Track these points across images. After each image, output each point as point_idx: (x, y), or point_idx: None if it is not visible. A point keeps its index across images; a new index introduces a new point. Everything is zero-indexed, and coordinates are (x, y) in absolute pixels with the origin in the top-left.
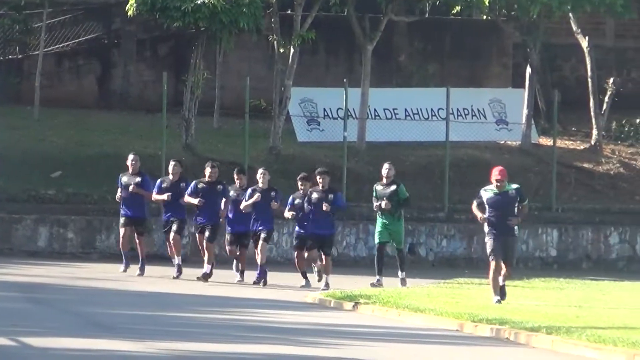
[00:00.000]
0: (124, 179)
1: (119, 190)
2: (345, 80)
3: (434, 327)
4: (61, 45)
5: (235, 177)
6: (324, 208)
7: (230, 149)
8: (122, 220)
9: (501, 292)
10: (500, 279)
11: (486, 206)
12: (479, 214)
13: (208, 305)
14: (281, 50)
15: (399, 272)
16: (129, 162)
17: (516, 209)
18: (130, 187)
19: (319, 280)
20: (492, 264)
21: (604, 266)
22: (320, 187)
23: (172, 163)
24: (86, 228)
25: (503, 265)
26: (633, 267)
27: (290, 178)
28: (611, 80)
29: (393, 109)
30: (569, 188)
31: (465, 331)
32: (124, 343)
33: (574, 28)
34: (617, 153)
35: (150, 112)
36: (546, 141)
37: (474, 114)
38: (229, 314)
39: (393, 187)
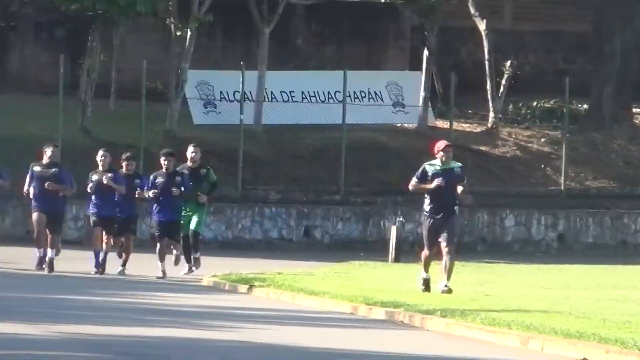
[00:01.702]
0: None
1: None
2: (242, 63)
3: (329, 310)
4: None
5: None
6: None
7: (127, 131)
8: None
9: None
10: (443, 264)
11: (428, 181)
12: (427, 185)
13: (103, 288)
14: (178, 33)
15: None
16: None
17: (459, 189)
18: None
19: None
20: (425, 253)
21: (499, 249)
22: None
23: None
24: None
25: (444, 249)
26: (528, 250)
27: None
28: (508, 63)
29: (290, 92)
30: (465, 171)
31: (359, 314)
32: (18, 326)
33: (472, 11)
34: (513, 136)
35: (46, 94)
36: (443, 124)
37: (371, 96)
38: (124, 297)
39: (203, 171)
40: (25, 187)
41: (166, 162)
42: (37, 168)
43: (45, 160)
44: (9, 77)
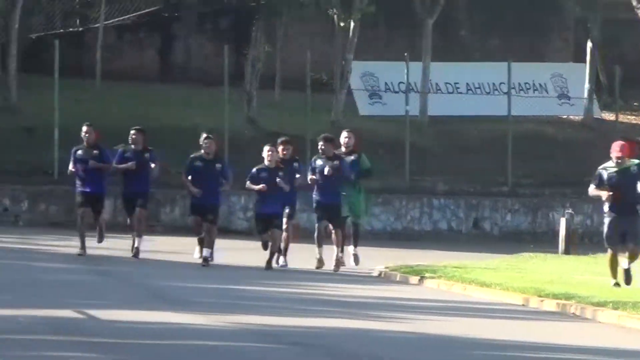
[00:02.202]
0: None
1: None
2: (406, 54)
3: (500, 301)
4: (122, 18)
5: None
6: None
7: (292, 122)
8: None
9: (626, 276)
10: (625, 262)
11: (605, 186)
12: (602, 193)
13: (273, 279)
14: (341, 24)
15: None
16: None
17: (639, 187)
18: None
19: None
20: (609, 252)
21: None
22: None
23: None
24: (150, 201)
25: (628, 248)
26: None
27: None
28: None
29: (454, 83)
30: None
31: (531, 306)
32: (189, 316)
33: (634, 3)
34: None
35: (210, 85)
36: (608, 116)
37: (535, 88)
38: (295, 288)
39: (354, 157)
40: (185, 178)
41: (324, 147)
42: (198, 164)
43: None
44: (173, 68)
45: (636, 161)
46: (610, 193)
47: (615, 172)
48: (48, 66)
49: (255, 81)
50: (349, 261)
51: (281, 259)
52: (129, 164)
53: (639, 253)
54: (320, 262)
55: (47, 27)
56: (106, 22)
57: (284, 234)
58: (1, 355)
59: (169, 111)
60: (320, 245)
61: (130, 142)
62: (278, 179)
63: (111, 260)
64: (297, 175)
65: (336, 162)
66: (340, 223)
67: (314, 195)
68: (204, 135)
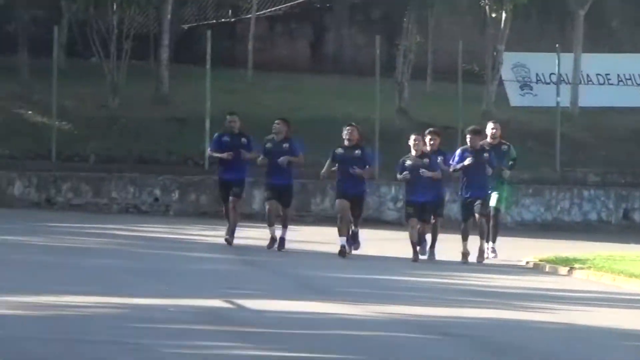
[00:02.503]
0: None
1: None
2: (557, 45)
3: None
4: (274, 8)
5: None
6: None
7: (443, 113)
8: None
9: None
10: None
11: None
12: None
13: (421, 269)
14: (493, 15)
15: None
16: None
17: None
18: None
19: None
20: None
21: None
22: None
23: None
24: (301, 191)
25: None
26: None
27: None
28: None
29: (605, 75)
30: None
31: None
32: (340, 306)
33: None
34: None
35: (362, 75)
36: None
37: None
38: (442, 278)
39: (505, 147)
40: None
41: (471, 139)
42: (339, 150)
43: (346, 142)
44: (324, 59)
45: None
46: None
47: None
48: (200, 57)
49: (407, 72)
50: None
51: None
52: (260, 158)
53: None
54: (465, 255)
55: (199, 18)
56: (258, 13)
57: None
58: (151, 344)
59: (320, 102)
60: (465, 239)
61: (273, 131)
62: (421, 170)
63: (259, 251)
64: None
65: (486, 155)
66: (486, 214)
67: (460, 189)
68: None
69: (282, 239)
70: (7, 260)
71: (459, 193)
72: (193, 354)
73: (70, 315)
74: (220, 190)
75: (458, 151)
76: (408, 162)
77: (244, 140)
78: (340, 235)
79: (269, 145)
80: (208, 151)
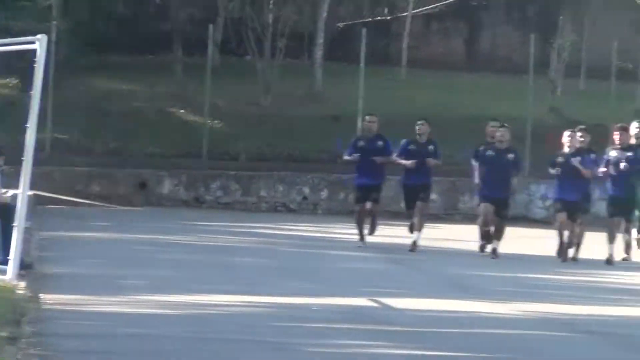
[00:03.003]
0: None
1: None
2: None
3: None
4: (430, 6)
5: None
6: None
7: (595, 111)
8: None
9: None
10: None
11: None
12: None
13: (566, 267)
14: None
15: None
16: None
17: None
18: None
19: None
20: None
21: None
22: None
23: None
24: (449, 190)
25: None
26: None
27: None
28: None
29: None
30: None
31: None
32: (486, 304)
33: None
34: None
35: (516, 73)
36: None
37: None
38: (590, 276)
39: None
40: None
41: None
42: (489, 152)
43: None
44: (479, 56)
45: None
46: None
47: None
48: (354, 54)
49: (561, 70)
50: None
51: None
52: (409, 162)
53: None
54: (611, 257)
55: (354, 16)
56: (414, 11)
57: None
58: (293, 343)
59: (472, 100)
60: (611, 241)
61: (417, 132)
62: (572, 159)
63: (403, 249)
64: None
65: (630, 154)
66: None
67: (608, 189)
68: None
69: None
70: (155, 259)
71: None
72: (336, 352)
73: (214, 314)
74: (357, 194)
75: (607, 150)
76: (560, 159)
77: (380, 143)
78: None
79: (412, 147)
80: (344, 156)
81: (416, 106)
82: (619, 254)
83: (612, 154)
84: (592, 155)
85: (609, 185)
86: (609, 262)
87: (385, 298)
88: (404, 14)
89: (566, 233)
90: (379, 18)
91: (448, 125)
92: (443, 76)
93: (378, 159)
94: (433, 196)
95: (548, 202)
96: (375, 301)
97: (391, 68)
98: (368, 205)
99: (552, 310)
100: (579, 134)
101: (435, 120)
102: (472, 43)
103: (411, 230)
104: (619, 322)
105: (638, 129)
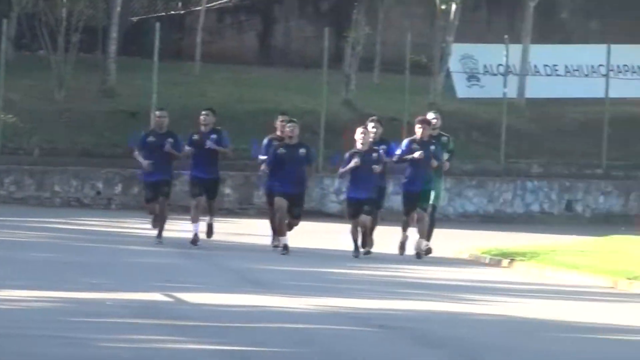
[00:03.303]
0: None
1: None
2: (506, 37)
3: (589, 284)
4: (223, 1)
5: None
6: None
7: (390, 104)
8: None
9: None
10: None
11: None
12: None
13: (359, 262)
14: (443, 7)
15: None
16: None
17: None
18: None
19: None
20: None
21: None
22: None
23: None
24: (244, 184)
25: None
26: None
27: (451, 134)
28: None
29: (553, 66)
30: None
31: (620, 289)
32: (279, 299)
33: None
34: None
35: (310, 67)
36: None
37: (634, 70)
38: (383, 270)
39: (444, 139)
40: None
41: (422, 130)
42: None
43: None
44: (273, 51)
45: None
46: None
47: None
48: (148, 49)
49: (355, 64)
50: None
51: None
52: (187, 149)
53: None
54: (403, 244)
55: (148, 10)
56: (208, 5)
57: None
58: (87, 337)
59: (267, 94)
60: (405, 230)
61: (201, 122)
62: (373, 167)
63: (199, 243)
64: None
65: (432, 147)
66: (427, 209)
67: (404, 181)
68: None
69: (210, 226)
70: None
71: (402, 185)
72: (129, 347)
73: (6, 310)
74: (147, 190)
75: (405, 141)
76: (356, 159)
77: (170, 140)
78: (280, 235)
79: (196, 137)
80: (135, 153)
81: (211, 101)
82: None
83: (415, 147)
84: (383, 147)
85: (406, 178)
86: (402, 246)
87: (180, 293)
88: (197, 8)
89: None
90: (172, 12)
91: (243, 119)
92: (237, 70)
93: (166, 148)
94: (227, 190)
95: (342, 197)
96: (170, 296)
97: (185, 63)
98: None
99: (345, 305)
100: (370, 124)
101: (230, 115)
102: (266, 37)
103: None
104: (413, 316)
105: (435, 120)
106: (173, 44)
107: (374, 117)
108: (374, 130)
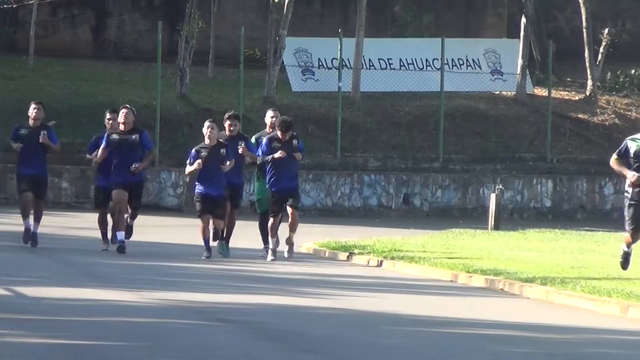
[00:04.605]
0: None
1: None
2: (340, 30)
3: (428, 277)
4: None
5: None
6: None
7: (225, 98)
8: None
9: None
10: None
11: (631, 159)
12: (625, 172)
13: (201, 255)
14: (276, 0)
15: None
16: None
17: None
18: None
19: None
20: (627, 235)
21: (599, 217)
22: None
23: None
24: (80, 178)
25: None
26: None
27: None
28: (606, 30)
29: (388, 59)
30: (564, 139)
31: (459, 282)
32: (119, 293)
33: None
34: (612, 104)
35: (145, 61)
36: (541, 92)
37: (468, 64)
38: (223, 264)
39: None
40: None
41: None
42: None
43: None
44: (107, 44)
45: None
46: (636, 174)
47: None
48: None
49: (189, 57)
50: None
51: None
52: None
53: None
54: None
55: None
56: None
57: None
58: None
59: (102, 88)
60: (273, 235)
61: (31, 116)
62: (221, 166)
63: (40, 238)
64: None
65: (295, 142)
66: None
67: (268, 182)
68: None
69: (35, 235)
70: None
71: (267, 186)
72: None
73: None
74: (20, 183)
75: (264, 140)
76: (203, 154)
77: (44, 132)
78: (119, 229)
79: (23, 131)
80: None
81: (46, 95)
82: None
83: (275, 145)
84: (241, 143)
85: (270, 178)
86: (273, 253)
87: (19, 287)
88: (30, 2)
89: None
90: (5, 6)
91: (79, 113)
92: (72, 64)
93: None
94: (64, 184)
95: (179, 190)
96: (9, 290)
97: (19, 57)
98: (30, 196)
99: (183, 298)
100: (228, 122)
101: (66, 109)
102: (99, 31)
103: None
104: (252, 310)
105: (274, 118)
106: (6, 37)
107: (231, 114)
108: (232, 128)
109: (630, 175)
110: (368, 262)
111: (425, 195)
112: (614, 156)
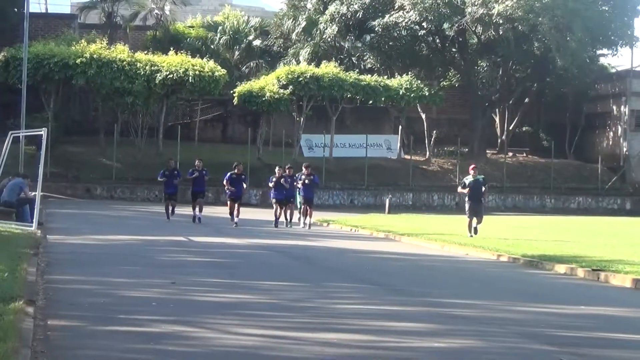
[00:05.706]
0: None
1: None
2: (324, 131)
3: (364, 234)
4: None
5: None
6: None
7: (278, 161)
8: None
9: (475, 231)
10: (474, 224)
11: (467, 187)
12: (465, 191)
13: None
14: (297, 119)
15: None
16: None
17: (483, 189)
18: None
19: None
20: (468, 219)
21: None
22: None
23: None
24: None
25: (475, 219)
26: None
27: None
28: (434, 132)
29: (344, 143)
30: (416, 176)
31: (373, 235)
32: (233, 240)
33: (419, 109)
34: (437, 163)
35: (232, 144)
36: (407, 157)
37: (378, 145)
38: (284, 230)
39: None
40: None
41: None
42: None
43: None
44: (226, 136)
45: (481, 176)
46: (465, 192)
47: (472, 180)
48: None
49: (261, 142)
50: None
51: None
52: None
53: (481, 221)
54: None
55: None
56: None
57: None
58: None
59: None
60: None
61: None
62: None
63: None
64: None
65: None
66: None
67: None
68: None
69: (199, 218)
70: None
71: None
72: None
73: None
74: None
75: (300, 175)
76: (275, 179)
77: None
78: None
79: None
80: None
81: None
82: None
83: None
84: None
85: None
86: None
87: (192, 237)
88: (195, 119)
89: None
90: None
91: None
92: (208, 146)
93: None
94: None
95: (258, 197)
96: (187, 237)
97: (192, 142)
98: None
99: (262, 243)
100: (303, 169)
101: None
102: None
103: None
104: (290, 246)
105: (304, 165)
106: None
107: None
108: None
109: (467, 191)
110: (341, 227)
111: (360, 198)
112: (459, 188)
